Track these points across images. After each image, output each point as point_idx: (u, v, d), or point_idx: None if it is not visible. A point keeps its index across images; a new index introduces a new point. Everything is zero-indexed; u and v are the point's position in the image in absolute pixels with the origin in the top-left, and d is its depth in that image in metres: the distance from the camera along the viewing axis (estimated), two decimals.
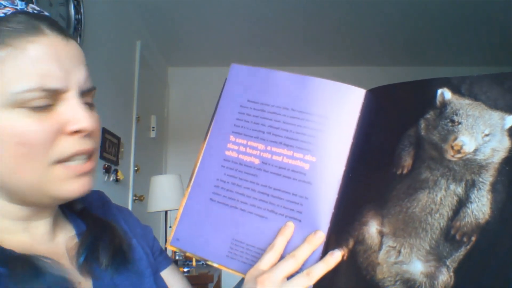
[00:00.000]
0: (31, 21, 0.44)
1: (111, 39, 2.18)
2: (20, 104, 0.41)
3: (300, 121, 0.50)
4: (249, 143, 0.52)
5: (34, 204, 0.47)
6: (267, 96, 0.52)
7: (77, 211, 0.57)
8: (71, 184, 0.46)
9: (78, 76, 0.46)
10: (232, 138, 0.52)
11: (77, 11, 1.69)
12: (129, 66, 2.53)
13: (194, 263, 2.32)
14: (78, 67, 0.46)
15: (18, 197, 0.45)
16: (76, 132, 0.45)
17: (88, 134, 0.46)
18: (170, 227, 2.37)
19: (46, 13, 0.48)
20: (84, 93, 0.47)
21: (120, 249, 0.53)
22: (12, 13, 0.43)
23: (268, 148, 0.51)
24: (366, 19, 2.72)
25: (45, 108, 0.43)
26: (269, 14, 2.65)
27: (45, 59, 0.43)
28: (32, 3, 1.38)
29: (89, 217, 0.56)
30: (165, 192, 2.30)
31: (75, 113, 0.44)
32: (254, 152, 0.51)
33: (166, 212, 2.41)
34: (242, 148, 0.52)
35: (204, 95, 3.33)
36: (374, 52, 3.27)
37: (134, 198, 2.55)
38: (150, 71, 2.94)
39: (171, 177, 2.37)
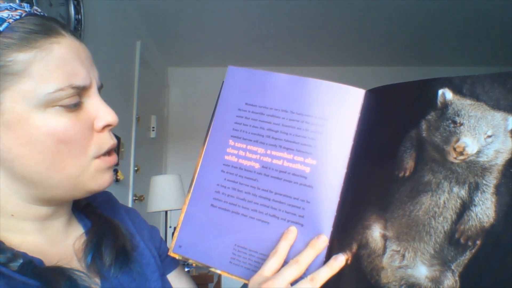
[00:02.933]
0: (45, 23, 0.45)
1: (111, 39, 2.17)
2: (51, 103, 0.43)
3: (299, 123, 0.50)
4: (249, 147, 0.51)
5: (59, 201, 0.49)
6: (265, 98, 0.52)
7: (81, 207, 0.57)
8: (104, 176, 0.49)
9: (95, 74, 0.49)
10: (231, 142, 0.52)
11: (77, 11, 1.68)
12: (129, 66, 2.53)
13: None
14: (93, 65, 0.49)
15: (48, 195, 0.47)
16: (106, 127, 0.48)
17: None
18: (170, 227, 2.37)
19: (45, 15, 0.49)
20: (98, 90, 0.50)
21: (123, 248, 0.53)
22: (26, 15, 0.44)
23: (268, 152, 0.50)
24: (368, 19, 2.72)
25: (75, 106, 0.45)
26: (270, 14, 2.64)
27: (70, 58, 0.45)
28: (33, 3, 1.38)
29: (93, 214, 0.57)
30: (165, 192, 2.29)
31: (100, 109, 0.48)
32: (254, 156, 0.51)
33: (166, 212, 2.41)
34: (241, 153, 0.51)
35: (204, 95, 3.32)
36: (376, 52, 3.27)
37: (134, 198, 2.55)
38: (150, 71, 2.94)
39: (171, 177, 2.36)
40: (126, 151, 2.41)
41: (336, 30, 2.89)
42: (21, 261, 0.41)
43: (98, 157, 0.48)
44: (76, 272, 0.44)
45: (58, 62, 0.43)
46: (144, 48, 2.73)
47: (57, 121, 0.43)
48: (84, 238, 0.52)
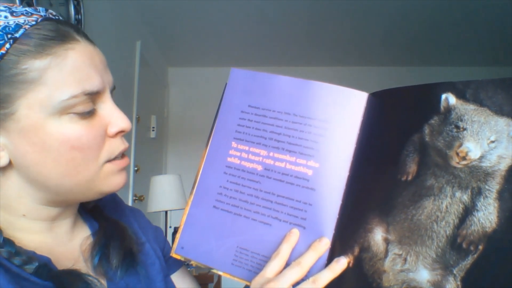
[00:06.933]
0: (61, 28, 0.45)
1: (111, 39, 2.17)
2: (66, 110, 0.43)
3: (302, 126, 0.50)
4: (251, 149, 0.51)
5: (70, 202, 0.50)
6: (268, 101, 0.52)
7: (89, 209, 0.58)
8: (116, 178, 0.49)
9: (109, 78, 0.49)
10: (234, 144, 0.52)
11: (77, 11, 1.68)
12: (129, 66, 2.53)
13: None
14: (106, 69, 0.49)
15: (60, 199, 0.47)
16: (118, 133, 0.49)
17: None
18: (170, 227, 2.37)
19: (61, 18, 0.49)
20: (111, 92, 0.51)
21: (130, 250, 0.53)
22: (41, 20, 0.44)
23: (271, 154, 0.50)
24: (368, 19, 2.72)
25: (89, 114, 0.45)
26: (270, 14, 2.65)
27: (83, 64, 0.45)
28: (32, 4, 1.38)
29: (101, 216, 0.57)
30: (165, 192, 2.29)
31: (113, 115, 0.48)
32: (257, 158, 0.51)
33: (166, 212, 2.41)
34: (244, 155, 0.51)
35: (204, 95, 3.33)
36: (376, 52, 3.27)
37: (134, 198, 2.54)
38: (150, 71, 2.94)
39: (171, 177, 2.36)
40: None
41: (337, 30, 2.89)
42: (36, 264, 0.42)
43: (109, 161, 0.48)
44: (89, 278, 0.45)
45: (72, 68, 0.43)
46: (144, 48, 2.73)
47: (71, 129, 0.44)
48: (91, 239, 0.53)
